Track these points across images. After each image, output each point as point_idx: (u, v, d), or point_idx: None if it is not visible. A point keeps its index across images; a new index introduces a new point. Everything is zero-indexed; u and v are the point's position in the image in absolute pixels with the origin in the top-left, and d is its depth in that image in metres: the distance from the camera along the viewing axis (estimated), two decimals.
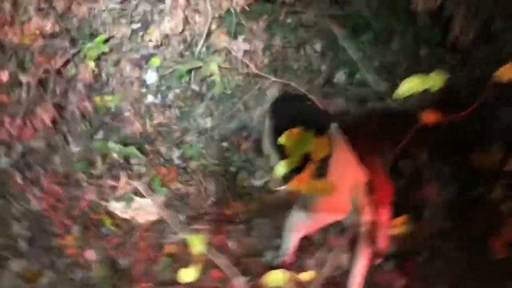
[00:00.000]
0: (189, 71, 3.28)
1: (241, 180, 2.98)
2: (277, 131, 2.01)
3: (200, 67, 3.23)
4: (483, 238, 2.12)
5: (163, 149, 3.14)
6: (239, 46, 3.21)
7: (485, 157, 2.44)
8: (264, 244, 2.46)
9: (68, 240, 2.42)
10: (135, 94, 3.34)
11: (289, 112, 2.65)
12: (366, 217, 1.83)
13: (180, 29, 3.24)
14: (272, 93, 3.31)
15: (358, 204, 1.84)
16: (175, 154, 3.14)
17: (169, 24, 3.24)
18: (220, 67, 3.12)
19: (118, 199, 2.64)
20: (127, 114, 3.29)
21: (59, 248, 2.37)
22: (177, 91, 3.39)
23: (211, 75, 3.20)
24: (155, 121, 3.21)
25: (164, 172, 2.82)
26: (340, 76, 3.47)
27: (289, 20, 3.50)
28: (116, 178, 2.72)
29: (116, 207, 2.58)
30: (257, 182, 2.90)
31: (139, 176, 2.79)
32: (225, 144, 3.22)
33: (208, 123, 3.27)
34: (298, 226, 2.13)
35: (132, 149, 2.81)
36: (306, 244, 2.32)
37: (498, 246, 2.09)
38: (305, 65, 3.46)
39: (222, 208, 2.69)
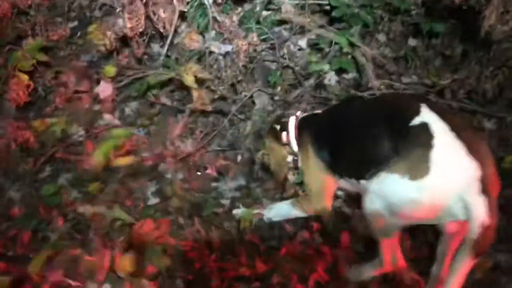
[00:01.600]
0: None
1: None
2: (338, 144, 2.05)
3: (171, 78, 2.54)
4: None
5: (134, 186, 2.44)
6: (220, 47, 2.56)
7: None
8: None
9: None
10: (87, 114, 2.60)
11: (344, 120, 2.14)
12: (480, 219, 1.60)
13: (140, 27, 2.53)
14: (262, 102, 2.71)
15: (469, 204, 1.60)
16: (150, 190, 2.46)
17: (125, 22, 2.52)
18: (196, 77, 2.45)
19: None
20: (79, 140, 2.55)
21: None
22: (141, 107, 2.68)
23: (185, 87, 2.52)
24: (121, 150, 2.48)
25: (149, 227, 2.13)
26: (331, 77, 2.92)
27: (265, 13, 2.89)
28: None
29: None
30: (269, 215, 2.31)
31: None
32: (210, 171, 2.57)
33: (187, 145, 2.60)
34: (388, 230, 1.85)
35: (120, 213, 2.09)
36: None
37: None
38: (290, 65, 2.87)
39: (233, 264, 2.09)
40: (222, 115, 2.69)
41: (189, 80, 2.44)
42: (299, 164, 2.30)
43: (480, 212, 1.60)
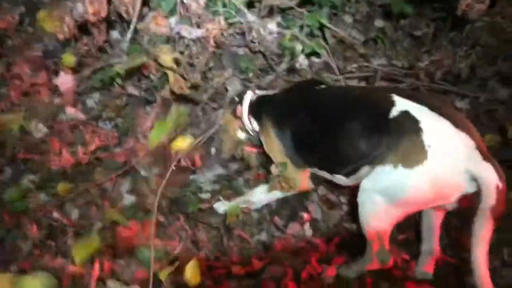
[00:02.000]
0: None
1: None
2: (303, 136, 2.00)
3: (138, 66, 2.36)
4: None
5: (107, 184, 2.26)
6: (191, 31, 2.40)
7: None
8: None
9: None
10: (47, 108, 2.38)
11: (308, 111, 2.05)
12: (494, 183, 1.59)
13: (103, 13, 2.33)
14: (235, 88, 2.59)
15: (478, 173, 1.60)
16: (124, 187, 2.29)
17: (86, 7, 2.31)
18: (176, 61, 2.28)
19: None
20: (38, 136, 2.32)
21: None
22: (105, 98, 2.48)
23: (159, 72, 2.35)
24: (89, 146, 2.29)
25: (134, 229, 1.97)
26: (302, 61, 2.83)
27: None
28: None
29: None
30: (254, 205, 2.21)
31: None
32: (185, 163, 2.42)
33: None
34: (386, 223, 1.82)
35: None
36: None
37: None
38: (261, 50, 2.76)
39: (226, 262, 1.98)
40: (193, 104, 2.54)
41: (167, 60, 2.28)
42: (264, 147, 2.22)
43: (492, 177, 1.60)
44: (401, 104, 1.74)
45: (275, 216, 2.20)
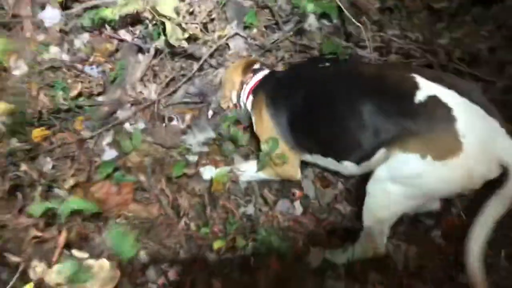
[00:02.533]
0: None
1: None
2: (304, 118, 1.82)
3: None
4: None
5: (86, 134, 2.08)
6: None
7: None
8: None
9: None
10: (29, 44, 2.17)
11: (312, 90, 1.85)
12: None
13: None
14: (237, 46, 2.38)
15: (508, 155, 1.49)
16: (105, 140, 2.11)
17: None
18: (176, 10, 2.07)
19: None
20: (16, 74, 2.12)
21: None
22: (95, 40, 2.27)
23: (155, 19, 2.13)
24: (71, 92, 2.09)
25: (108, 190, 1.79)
26: (312, 22, 2.61)
27: None
28: None
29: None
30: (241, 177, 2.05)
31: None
32: (176, 122, 2.24)
33: (151, 91, 2.23)
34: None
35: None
36: None
37: None
38: (268, 5, 2.54)
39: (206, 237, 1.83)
40: (191, 59, 2.33)
41: (166, 8, 2.05)
42: (255, 128, 2.03)
43: None
44: (427, 87, 1.55)
45: (264, 189, 2.04)
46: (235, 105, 2.18)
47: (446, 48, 2.39)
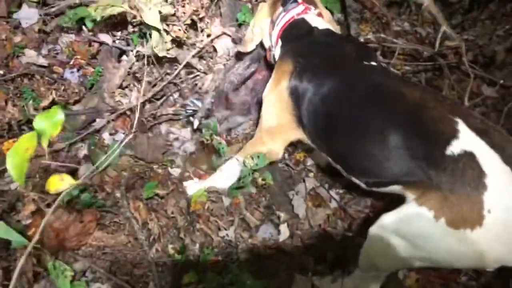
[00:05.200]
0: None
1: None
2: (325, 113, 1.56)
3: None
4: None
5: (60, 145, 1.95)
6: None
7: None
8: None
9: None
10: (3, 47, 2.03)
11: (344, 86, 1.60)
12: None
13: None
14: (226, 46, 2.19)
15: None
16: (82, 152, 1.97)
17: None
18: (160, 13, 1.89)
19: None
20: None
21: None
22: (74, 42, 2.11)
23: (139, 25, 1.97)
24: (43, 102, 1.95)
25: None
26: None
27: None
28: None
29: None
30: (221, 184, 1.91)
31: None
32: (159, 133, 2.09)
33: (132, 99, 2.08)
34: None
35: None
36: None
37: None
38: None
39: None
40: (176, 62, 2.15)
41: (151, 18, 1.88)
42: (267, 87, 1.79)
43: None
44: (466, 140, 1.32)
45: (247, 213, 1.86)
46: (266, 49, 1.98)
47: (458, 48, 2.16)
